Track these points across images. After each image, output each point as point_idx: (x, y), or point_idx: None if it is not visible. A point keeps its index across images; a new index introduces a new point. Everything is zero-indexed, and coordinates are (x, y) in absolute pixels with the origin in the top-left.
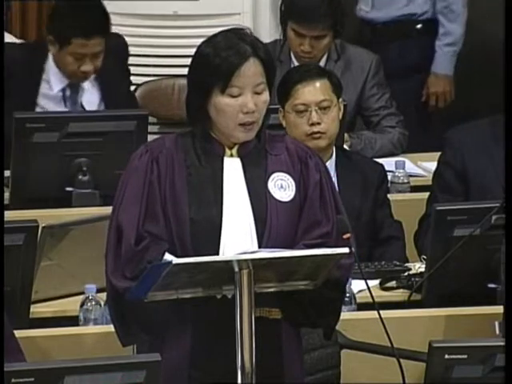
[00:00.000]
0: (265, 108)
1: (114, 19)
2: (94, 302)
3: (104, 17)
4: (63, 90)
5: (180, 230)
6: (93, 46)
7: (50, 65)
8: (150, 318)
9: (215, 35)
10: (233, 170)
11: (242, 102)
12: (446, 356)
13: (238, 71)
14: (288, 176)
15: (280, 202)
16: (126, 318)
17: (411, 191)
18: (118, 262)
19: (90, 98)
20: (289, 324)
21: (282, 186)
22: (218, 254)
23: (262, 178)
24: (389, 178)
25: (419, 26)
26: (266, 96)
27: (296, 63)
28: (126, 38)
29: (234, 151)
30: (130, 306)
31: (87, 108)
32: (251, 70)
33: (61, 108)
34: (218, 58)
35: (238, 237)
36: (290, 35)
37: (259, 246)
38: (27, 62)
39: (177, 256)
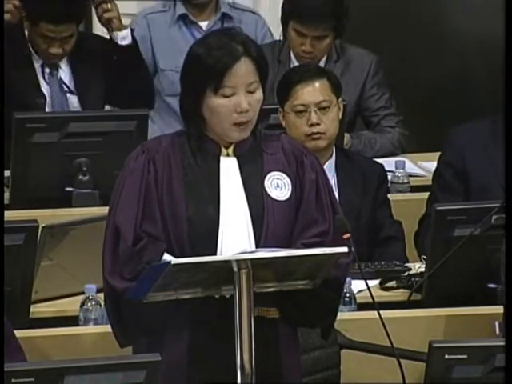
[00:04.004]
0: (259, 107)
1: None
2: (94, 302)
3: (75, 5)
4: (42, 67)
5: (177, 230)
6: (61, 31)
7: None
8: (148, 319)
9: (207, 36)
10: (229, 169)
11: (235, 101)
12: (446, 356)
13: (229, 71)
14: (284, 175)
15: (276, 200)
16: (123, 319)
17: (411, 191)
18: (115, 262)
19: (66, 76)
20: (286, 323)
21: (278, 185)
22: (215, 253)
23: (259, 177)
24: (389, 178)
25: None
26: (259, 95)
27: (296, 63)
28: None
29: (230, 151)
30: (128, 307)
31: (65, 81)
32: (243, 69)
33: (42, 80)
34: (210, 59)
35: (236, 236)
36: (291, 35)
37: (256, 245)
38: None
39: (175, 256)
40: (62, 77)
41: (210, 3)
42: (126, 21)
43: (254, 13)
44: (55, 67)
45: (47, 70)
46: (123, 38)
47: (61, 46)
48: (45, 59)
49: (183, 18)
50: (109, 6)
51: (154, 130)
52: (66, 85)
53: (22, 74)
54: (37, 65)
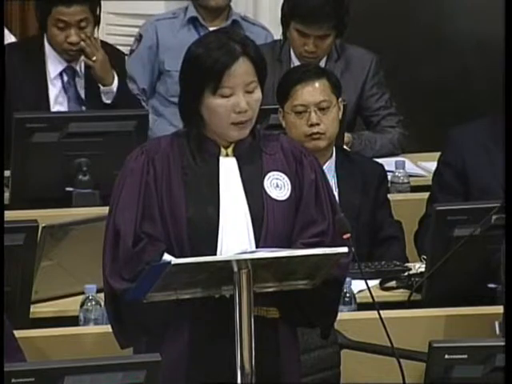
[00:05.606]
0: (258, 106)
1: (113, 19)
2: (94, 302)
3: None
4: (61, 75)
5: (177, 231)
6: (74, 13)
7: (47, 50)
8: (148, 319)
9: (205, 36)
10: (229, 169)
11: (234, 101)
12: (446, 356)
13: (228, 71)
14: (283, 175)
15: (276, 200)
16: (123, 319)
17: (411, 191)
18: (115, 263)
19: (82, 86)
20: (286, 323)
21: (277, 185)
22: (215, 253)
23: (258, 177)
24: (389, 177)
25: None
26: (258, 94)
27: (296, 63)
28: (126, 38)
29: (230, 151)
30: (128, 307)
31: (80, 92)
32: (242, 69)
33: (60, 92)
34: (209, 59)
35: (236, 236)
36: (293, 35)
37: (256, 245)
38: (26, 60)
39: (175, 256)
40: (78, 86)
41: (224, 10)
42: (125, 21)
43: (264, 28)
44: (72, 74)
45: (65, 78)
46: (105, 93)
47: (78, 35)
48: (65, 54)
49: (193, 21)
50: (88, 61)
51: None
52: (82, 97)
53: (33, 95)
54: (54, 74)
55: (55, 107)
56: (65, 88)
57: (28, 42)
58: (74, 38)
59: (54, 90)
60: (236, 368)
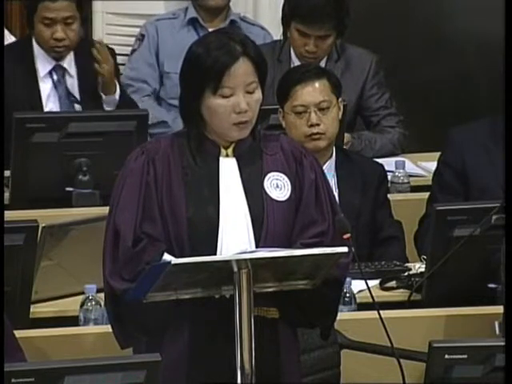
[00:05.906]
0: (258, 106)
1: (113, 19)
2: (93, 302)
3: None
4: (50, 74)
5: (177, 231)
6: (59, 9)
7: (35, 49)
8: (148, 319)
9: (206, 35)
10: (229, 169)
11: (234, 102)
12: (446, 356)
13: (228, 71)
14: (283, 175)
15: (276, 201)
16: (124, 320)
17: (411, 191)
18: (115, 263)
19: (74, 83)
20: (286, 323)
21: (277, 186)
22: (215, 253)
23: (258, 177)
24: (389, 177)
25: None
26: (258, 95)
27: (296, 63)
28: (126, 38)
29: (230, 151)
30: (128, 307)
31: (71, 90)
32: (242, 69)
33: (51, 91)
34: (210, 59)
35: (236, 236)
36: (293, 35)
37: (256, 246)
38: (16, 60)
39: (175, 256)
40: (69, 84)
41: (223, 10)
42: (125, 21)
43: (262, 28)
44: (62, 72)
45: (55, 78)
46: (107, 102)
47: (64, 31)
48: (52, 52)
49: (193, 22)
50: (98, 67)
51: None
52: (73, 95)
53: (26, 94)
54: (44, 73)
55: (48, 105)
56: (55, 86)
57: (18, 43)
58: (59, 34)
59: (46, 88)
60: (236, 368)
